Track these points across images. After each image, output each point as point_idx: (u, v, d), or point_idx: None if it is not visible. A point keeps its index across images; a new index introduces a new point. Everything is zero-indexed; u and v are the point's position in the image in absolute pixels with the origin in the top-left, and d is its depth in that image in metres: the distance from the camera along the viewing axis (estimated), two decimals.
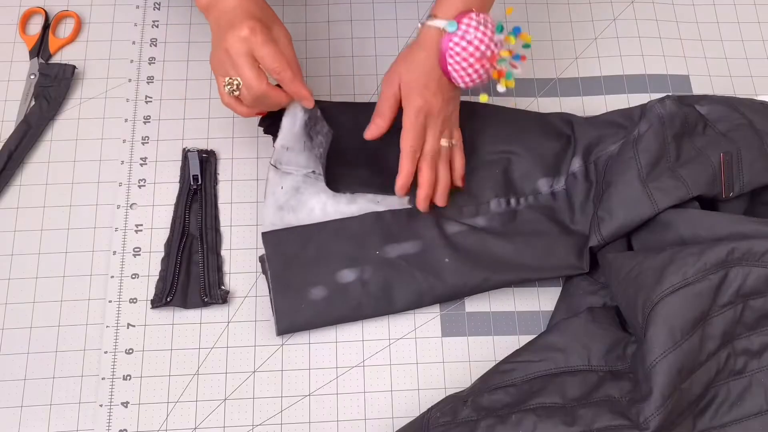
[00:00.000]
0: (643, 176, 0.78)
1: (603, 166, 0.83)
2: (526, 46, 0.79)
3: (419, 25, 0.78)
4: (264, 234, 0.80)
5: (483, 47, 0.75)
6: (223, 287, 0.80)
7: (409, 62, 0.77)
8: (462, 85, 0.77)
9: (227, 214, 0.84)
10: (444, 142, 0.80)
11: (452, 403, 0.72)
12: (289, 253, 0.80)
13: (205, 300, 0.79)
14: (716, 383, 0.72)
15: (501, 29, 0.77)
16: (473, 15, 0.75)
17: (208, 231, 0.83)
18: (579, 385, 0.72)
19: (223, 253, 0.82)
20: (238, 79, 0.74)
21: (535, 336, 0.78)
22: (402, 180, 0.78)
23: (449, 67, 0.76)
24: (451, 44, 0.75)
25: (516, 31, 0.78)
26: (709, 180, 0.78)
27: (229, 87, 0.75)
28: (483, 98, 0.80)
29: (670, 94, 0.85)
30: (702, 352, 0.70)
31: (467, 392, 0.73)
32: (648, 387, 0.67)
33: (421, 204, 0.80)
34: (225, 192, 0.85)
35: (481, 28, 0.75)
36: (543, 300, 0.82)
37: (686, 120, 0.81)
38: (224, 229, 0.84)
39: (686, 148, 0.80)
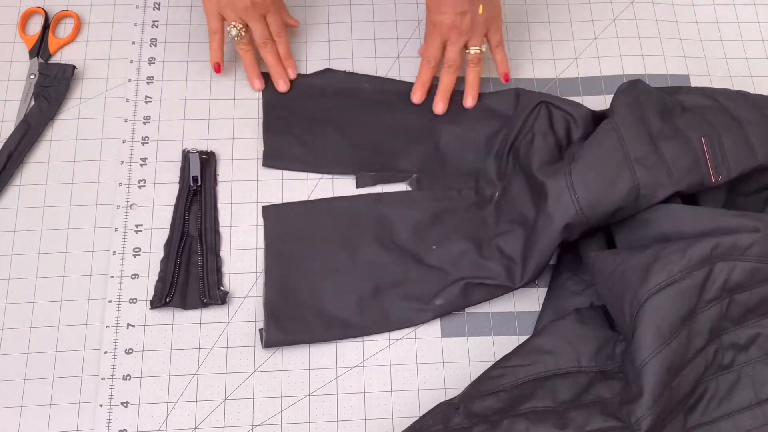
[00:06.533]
0: (626, 149, 0.76)
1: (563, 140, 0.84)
2: None
3: None
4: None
5: None
6: (222, 288, 0.80)
7: None
8: None
9: (227, 214, 0.84)
10: (473, 51, 0.87)
11: (444, 411, 0.71)
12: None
13: (204, 301, 0.79)
14: (705, 379, 0.72)
15: None
16: None
17: (208, 232, 0.83)
18: (569, 387, 0.71)
19: (223, 253, 0.82)
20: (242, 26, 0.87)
21: None
22: (416, 86, 0.89)
23: None
24: None
25: None
26: (692, 163, 0.76)
27: (236, 31, 0.87)
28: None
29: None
30: (690, 349, 0.69)
31: (458, 399, 0.73)
32: (638, 387, 0.67)
33: (439, 107, 0.89)
34: (225, 193, 0.85)
35: None
36: (542, 300, 0.82)
37: (663, 100, 0.80)
38: (224, 230, 0.84)
39: (666, 123, 0.78)
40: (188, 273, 0.81)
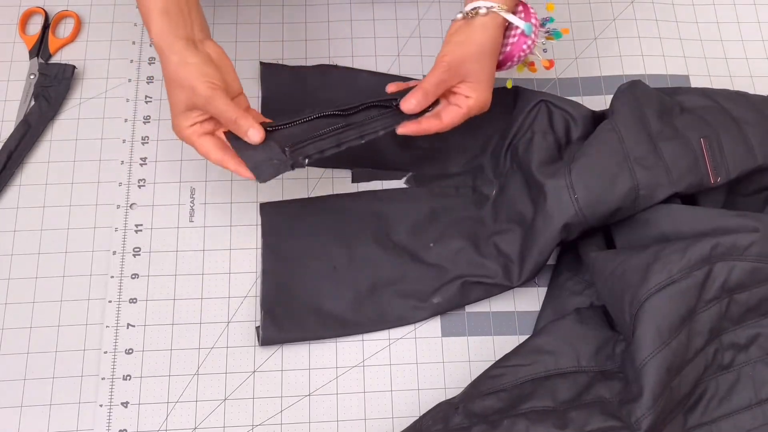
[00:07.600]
0: (626, 150, 0.76)
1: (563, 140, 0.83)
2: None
3: (484, 9, 0.73)
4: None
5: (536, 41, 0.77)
6: (308, 159, 0.71)
7: (480, 54, 0.74)
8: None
9: (226, 213, 0.84)
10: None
11: (444, 411, 0.71)
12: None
13: (275, 162, 0.71)
14: (705, 379, 0.72)
15: (552, 20, 0.80)
16: (532, 11, 0.76)
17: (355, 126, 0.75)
18: (569, 386, 0.71)
19: (222, 253, 0.82)
20: None
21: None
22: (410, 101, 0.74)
23: (510, 63, 0.77)
24: (524, 46, 0.76)
25: (557, 36, 0.81)
26: (691, 164, 0.76)
27: None
28: (509, 84, 0.84)
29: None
30: (690, 348, 0.70)
31: (458, 398, 0.73)
32: (638, 387, 0.67)
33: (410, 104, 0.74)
34: (224, 192, 0.85)
35: (540, 28, 0.77)
36: (542, 300, 0.82)
37: (662, 101, 0.80)
38: (223, 229, 0.83)
39: (666, 124, 0.78)
40: (314, 125, 0.73)
